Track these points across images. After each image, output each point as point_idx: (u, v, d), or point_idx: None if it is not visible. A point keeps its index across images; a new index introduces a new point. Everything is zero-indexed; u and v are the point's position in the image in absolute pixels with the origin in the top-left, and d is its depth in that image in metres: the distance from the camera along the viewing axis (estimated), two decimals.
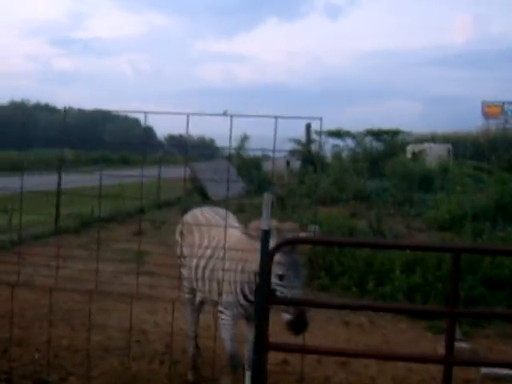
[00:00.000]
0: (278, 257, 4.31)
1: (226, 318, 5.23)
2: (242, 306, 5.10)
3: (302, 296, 4.59)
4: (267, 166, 22.26)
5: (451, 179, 17.63)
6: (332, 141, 26.65)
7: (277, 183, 19.77)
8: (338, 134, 26.88)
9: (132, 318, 5.75)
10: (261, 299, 3.85)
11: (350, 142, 26.90)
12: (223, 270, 4.94)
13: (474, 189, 15.89)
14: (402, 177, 17.82)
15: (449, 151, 26.11)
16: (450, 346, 3.91)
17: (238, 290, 5.04)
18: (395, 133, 27.09)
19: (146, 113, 4.77)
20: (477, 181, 17.65)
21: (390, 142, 25.20)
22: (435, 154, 24.33)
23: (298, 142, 24.07)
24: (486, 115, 38.73)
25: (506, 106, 39.14)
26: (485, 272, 9.17)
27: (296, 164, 22.84)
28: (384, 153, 22.09)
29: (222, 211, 5.85)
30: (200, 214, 5.85)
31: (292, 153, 23.69)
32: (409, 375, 6.35)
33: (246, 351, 5.42)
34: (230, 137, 4.31)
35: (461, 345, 7.45)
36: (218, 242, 5.28)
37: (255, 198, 16.81)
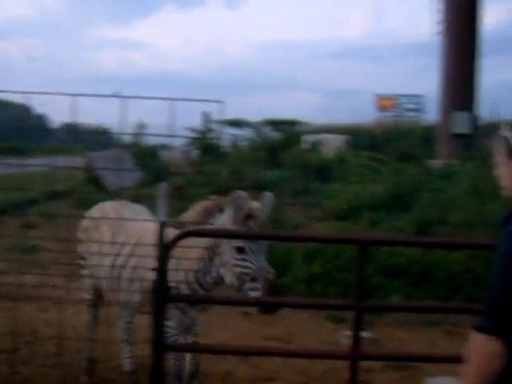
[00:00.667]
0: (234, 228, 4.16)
1: (169, 326, 4.70)
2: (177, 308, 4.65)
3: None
4: (165, 156, 21.86)
5: (348, 169, 17.84)
6: (231, 130, 26.48)
7: (174, 172, 19.47)
8: (236, 123, 26.75)
9: (21, 318, 5.37)
10: (157, 297, 3.61)
11: (248, 132, 26.80)
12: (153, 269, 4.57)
13: (371, 179, 16.12)
14: (300, 167, 17.86)
15: (346, 142, 26.50)
16: (356, 341, 3.82)
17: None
18: (293, 123, 27.24)
19: (25, 93, 4.40)
20: (373, 171, 17.93)
21: (287, 132, 25.24)
22: (332, 144, 24.60)
23: (195, 130, 23.71)
24: (381, 108, 39.59)
25: (399, 99, 40.13)
26: (382, 261, 9.28)
27: (194, 153, 22.51)
28: (282, 143, 22.10)
29: (135, 206, 5.48)
30: (111, 208, 5.32)
31: (189, 141, 23.35)
32: (312, 367, 6.29)
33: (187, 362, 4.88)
34: (123, 121, 4.04)
35: (361, 334, 7.50)
36: (140, 239, 4.77)
37: (153, 187, 16.40)
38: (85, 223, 5.39)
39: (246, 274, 4.10)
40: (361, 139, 29.59)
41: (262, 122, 27.20)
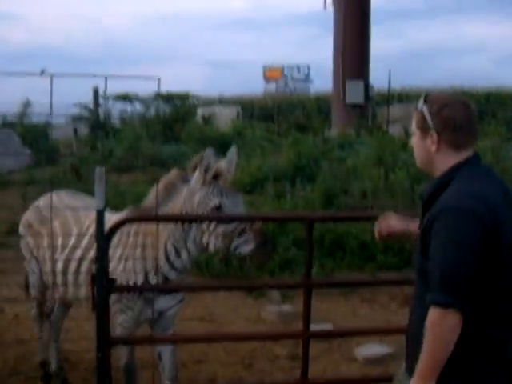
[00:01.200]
0: (205, 190, 3.94)
1: (126, 320, 4.24)
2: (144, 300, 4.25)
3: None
4: (55, 135, 20.98)
5: (246, 142, 17.72)
6: (120, 105, 25.70)
7: (66, 152, 18.75)
8: (125, 97, 26.02)
9: None
10: (99, 289, 3.32)
11: (138, 107, 26.14)
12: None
13: (270, 151, 16.09)
14: (197, 141, 17.57)
15: (238, 114, 26.42)
16: (306, 319, 3.68)
17: (140, 281, 4.20)
18: (185, 96, 26.80)
19: None
20: (271, 143, 17.93)
21: (180, 105, 24.82)
22: (225, 117, 24.48)
23: (84, 106, 22.89)
24: (268, 78, 39.73)
25: (285, 70, 40.36)
26: (295, 233, 9.22)
27: (84, 131, 21.72)
28: (175, 117, 21.67)
29: (83, 196, 5.10)
30: (57, 199, 4.76)
31: (79, 118, 22.54)
32: (240, 345, 6.13)
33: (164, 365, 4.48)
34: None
35: (283, 308, 7.43)
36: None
37: (45, 168, 15.77)
38: (27, 217, 5.00)
39: (232, 231, 3.86)
40: (253, 111, 29.65)
41: (153, 95, 26.58)
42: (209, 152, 4.02)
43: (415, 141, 2.74)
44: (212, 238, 3.93)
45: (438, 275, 2.46)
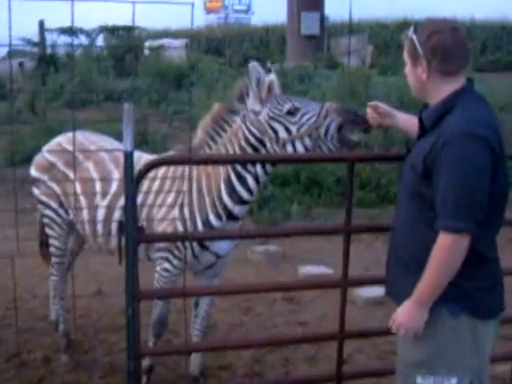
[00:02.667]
0: (270, 103, 3.64)
1: (170, 269, 4.00)
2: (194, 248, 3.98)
3: None
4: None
5: (203, 76, 17.17)
6: (64, 38, 24.56)
7: (13, 87, 17.87)
8: (70, 31, 24.87)
9: None
10: (129, 238, 3.03)
11: (83, 40, 25.06)
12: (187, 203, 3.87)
13: (230, 84, 15.63)
14: (152, 74, 16.96)
15: (186, 46, 25.68)
16: (345, 266, 3.46)
17: (198, 223, 3.89)
18: (131, 29, 25.79)
19: None
20: (228, 76, 17.45)
21: (127, 38, 23.94)
22: (174, 49, 23.74)
23: (28, 41, 21.83)
24: (208, 10, 38.80)
25: (226, 1, 39.45)
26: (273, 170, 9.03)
27: (30, 65, 20.70)
28: (125, 49, 20.87)
29: (103, 136, 4.69)
30: (82, 137, 4.42)
31: (24, 53, 21.49)
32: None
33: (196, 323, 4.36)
34: None
35: (270, 248, 7.27)
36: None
37: None
38: (49, 159, 4.47)
39: (315, 121, 3.54)
40: (200, 43, 28.95)
41: (98, 28, 25.55)
42: (254, 64, 3.65)
43: (407, 69, 2.73)
44: (297, 142, 3.59)
45: (451, 200, 2.46)
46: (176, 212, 3.90)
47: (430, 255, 2.53)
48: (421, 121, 2.76)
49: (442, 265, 2.51)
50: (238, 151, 3.79)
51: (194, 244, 3.90)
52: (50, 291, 4.87)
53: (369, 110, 3.28)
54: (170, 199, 3.94)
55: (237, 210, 3.88)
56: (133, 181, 2.95)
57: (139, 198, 3.73)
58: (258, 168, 3.76)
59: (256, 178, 3.81)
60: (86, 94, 15.84)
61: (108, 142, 4.52)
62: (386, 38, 26.69)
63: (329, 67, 18.23)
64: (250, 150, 3.76)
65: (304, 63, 18.63)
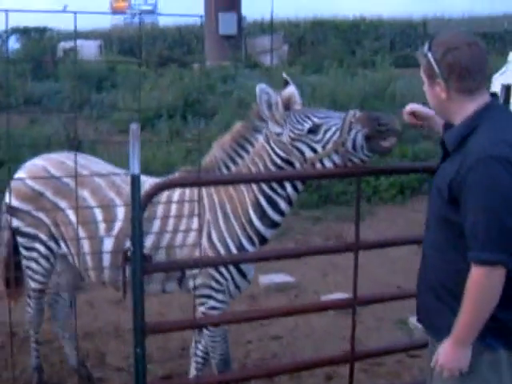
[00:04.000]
0: (289, 122, 3.43)
1: (217, 306, 3.69)
2: (233, 275, 3.69)
3: None
4: None
5: (122, 77, 16.97)
6: None
7: None
8: None
9: None
10: (136, 268, 2.88)
11: None
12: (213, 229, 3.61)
13: (152, 86, 15.49)
14: (70, 77, 16.59)
15: (100, 47, 25.28)
16: (355, 286, 3.43)
17: (232, 250, 3.62)
18: (43, 30, 25.17)
19: None
20: (148, 78, 17.29)
21: (40, 40, 23.30)
22: (88, 50, 23.33)
23: None
24: (115, 10, 38.20)
25: (132, 1, 38.95)
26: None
27: None
28: (39, 51, 20.33)
29: (88, 156, 4.27)
30: (69, 161, 3.89)
31: None
32: None
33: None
34: None
35: None
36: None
37: None
38: (34, 187, 3.92)
39: (340, 135, 3.33)
40: (111, 44, 28.45)
41: (9, 30, 24.73)
42: (261, 87, 3.44)
43: (425, 88, 2.60)
44: (325, 160, 3.39)
45: (481, 231, 2.33)
46: (204, 240, 3.61)
47: (466, 289, 2.39)
48: (443, 142, 2.62)
49: (478, 300, 2.36)
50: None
51: (234, 273, 3.65)
52: (26, 324, 4.56)
53: (406, 113, 3.12)
54: (193, 225, 3.64)
55: (269, 233, 3.67)
56: (140, 206, 2.84)
57: (156, 225, 3.63)
58: (289, 189, 3.55)
59: (288, 200, 3.59)
60: (4, 98, 15.35)
61: (100, 166, 4.07)
62: (299, 37, 27.09)
63: (249, 67, 18.37)
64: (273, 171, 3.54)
65: (223, 63, 18.73)
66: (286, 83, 3.57)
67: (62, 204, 3.84)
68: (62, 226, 3.87)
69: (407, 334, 5.28)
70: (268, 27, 26.44)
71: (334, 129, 3.35)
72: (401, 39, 28.54)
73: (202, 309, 3.70)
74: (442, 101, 2.52)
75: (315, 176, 3.82)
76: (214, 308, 3.68)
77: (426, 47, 2.53)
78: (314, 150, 3.39)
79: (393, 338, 5.23)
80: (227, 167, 3.67)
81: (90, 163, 4.03)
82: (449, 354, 2.47)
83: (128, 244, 3.47)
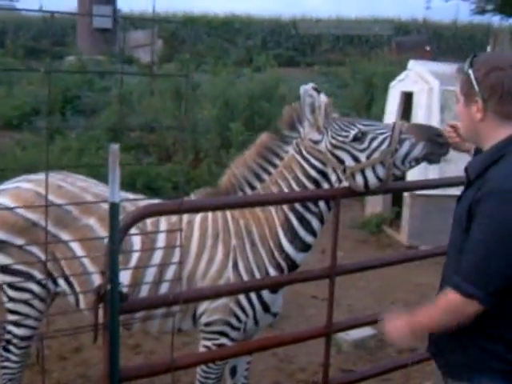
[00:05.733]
0: (331, 129, 3.08)
1: (227, 344, 3.28)
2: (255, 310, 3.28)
3: None
4: None
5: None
6: None
7: None
8: None
9: None
10: (112, 307, 2.47)
11: None
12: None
13: (22, 80, 14.56)
14: None
15: None
16: (329, 312, 3.21)
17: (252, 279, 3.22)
18: None
19: None
20: (15, 70, 16.27)
21: None
22: None
23: None
24: None
25: None
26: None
27: None
28: None
29: (83, 177, 3.55)
30: (69, 184, 3.34)
31: None
32: None
33: None
34: None
35: None
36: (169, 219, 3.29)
37: None
38: (26, 216, 3.25)
39: (389, 145, 3.05)
40: None
41: None
42: (305, 88, 3.11)
43: (459, 107, 2.46)
44: (368, 171, 3.08)
45: (470, 263, 2.28)
46: (230, 272, 3.20)
47: (437, 301, 2.37)
48: (466, 169, 2.49)
49: (443, 318, 2.35)
50: (295, 188, 3.18)
51: (257, 307, 3.26)
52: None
53: (448, 130, 3.03)
54: (219, 254, 3.21)
55: (300, 258, 3.28)
56: (120, 231, 2.45)
57: (175, 254, 3.19)
58: (322, 205, 3.20)
59: (321, 218, 3.24)
60: None
61: (101, 187, 3.42)
62: (171, 33, 26.60)
63: (126, 62, 17.75)
64: (310, 185, 3.17)
65: (97, 57, 17.99)
66: (317, 91, 3.16)
67: (64, 235, 3.22)
68: (62, 260, 3.27)
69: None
70: (138, 22, 25.83)
71: (381, 138, 3.07)
72: (271, 38, 28.71)
73: (207, 343, 3.28)
74: (476, 122, 2.39)
75: (292, 199, 3.22)
76: (221, 345, 3.27)
77: (466, 64, 2.39)
78: (357, 160, 3.08)
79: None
80: (251, 186, 3.28)
81: (90, 185, 3.41)
82: (397, 327, 2.49)
83: (148, 275, 3.19)
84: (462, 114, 2.45)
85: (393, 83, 9.49)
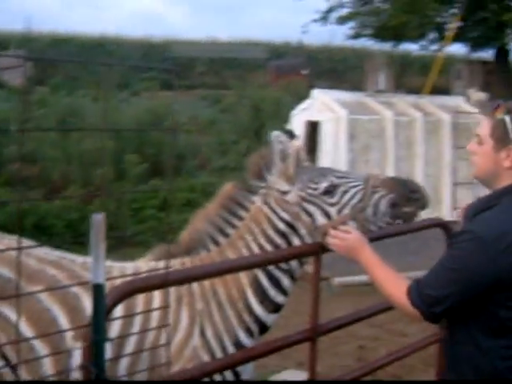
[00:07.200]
0: (301, 181, 2.86)
1: None
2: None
3: None
4: None
5: None
6: None
7: None
8: None
9: None
10: None
11: None
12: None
13: None
14: None
15: None
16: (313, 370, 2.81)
17: (229, 348, 2.86)
18: None
19: None
20: None
21: None
22: None
23: None
24: None
25: None
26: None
27: None
28: None
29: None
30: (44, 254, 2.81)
31: None
32: None
33: None
34: None
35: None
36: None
37: None
38: None
39: (359, 201, 2.83)
40: None
41: None
42: (276, 135, 2.87)
43: (484, 150, 2.41)
44: (339, 227, 2.81)
45: (429, 280, 2.35)
46: (196, 340, 2.82)
47: (402, 281, 2.43)
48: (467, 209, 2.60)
49: (389, 293, 2.45)
50: (264, 243, 2.91)
51: (228, 377, 2.87)
52: None
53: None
54: (183, 320, 2.82)
55: (270, 320, 2.98)
56: (104, 319, 1.93)
57: (136, 324, 2.74)
58: (294, 262, 2.94)
59: (292, 276, 2.97)
60: None
61: (44, 249, 2.89)
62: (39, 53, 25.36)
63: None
64: (278, 240, 2.90)
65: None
66: (291, 135, 2.99)
67: (4, 309, 2.63)
68: (2, 338, 2.62)
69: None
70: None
71: (353, 191, 2.83)
72: (144, 61, 28.04)
73: None
74: (500, 167, 2.38)
75: (270, 260, 2.91)
76: None
77: (502, 111, 2.36)
78: (328, 215, 2.84)
79: None
80: (215, 242, 2.98)
81: (34, 249, 2.79)
82: (350, 248, 2.65)
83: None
84: (487, 157, 2.41)
85: (295, 112, 9.30)
